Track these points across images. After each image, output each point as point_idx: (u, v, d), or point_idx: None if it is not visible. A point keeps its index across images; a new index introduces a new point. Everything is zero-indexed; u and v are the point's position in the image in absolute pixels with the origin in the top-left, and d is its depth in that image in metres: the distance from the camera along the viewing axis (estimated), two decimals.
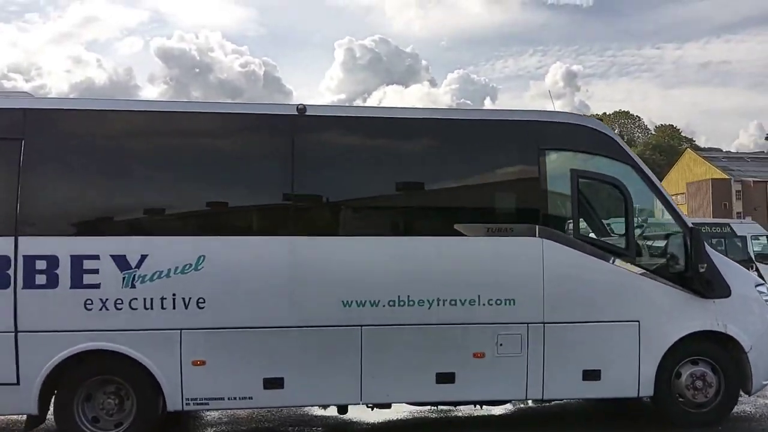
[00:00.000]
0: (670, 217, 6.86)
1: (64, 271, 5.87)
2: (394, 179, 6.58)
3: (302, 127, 6.36)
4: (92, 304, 5.89)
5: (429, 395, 6.52)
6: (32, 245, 5.90)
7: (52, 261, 5.87)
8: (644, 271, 6.59)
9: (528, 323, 6.39)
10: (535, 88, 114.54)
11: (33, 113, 6.09)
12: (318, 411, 7.47)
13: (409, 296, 6.25)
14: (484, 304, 6.34)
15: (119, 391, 6.13)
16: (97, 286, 5.91)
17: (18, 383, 5.83)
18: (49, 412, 6.18)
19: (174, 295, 5.99)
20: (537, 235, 6.42)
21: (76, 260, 5.90)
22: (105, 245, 6.00)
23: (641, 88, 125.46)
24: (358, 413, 7.10)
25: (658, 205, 7.00)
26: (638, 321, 6.52)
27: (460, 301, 6.31)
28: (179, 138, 6.45)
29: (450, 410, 7.50)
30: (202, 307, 6.02)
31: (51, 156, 6.12)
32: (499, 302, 6.36)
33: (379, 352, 6.25)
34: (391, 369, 6.28)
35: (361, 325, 6.21)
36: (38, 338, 5.86)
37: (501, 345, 6.37)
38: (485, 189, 6.80)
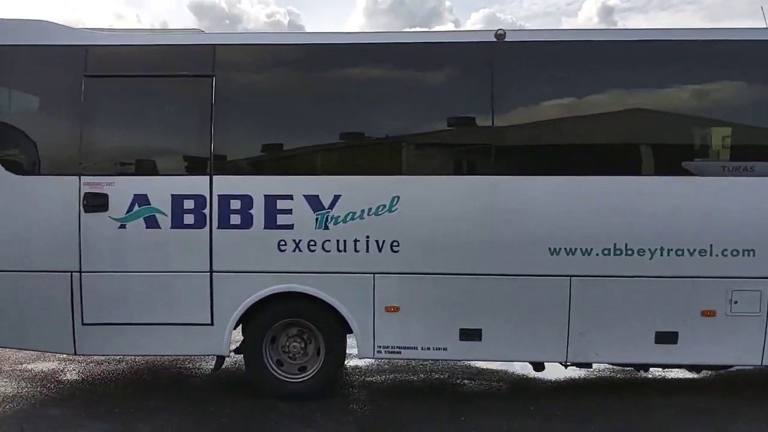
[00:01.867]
0: None
1: (258, 211, 5.72)
2: (611, 111, 5.80)
3: (502, 55, 5.72)
4: (286, 245, 5.71)
5: (645, 356, 5.78)
6: (227, 185, 5.78)
7: (247, 201, 5.73)
8: None
9: None
10: (567, 26, 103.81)
11: (223, 49, 5.91)
12: (487, 364, 7.04)
13: (627, 244, 5.52)
14: (717, 255, 5.48)
15: (302, 334, 6.00)
16: (290, 226, 5.71)
17: (212, 323, 5.80)
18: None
19: (367, 237, 5.68)
20: None
21: (270, 200, 5.73)
22: (298, 185, 5.77)
23: (685, 22, 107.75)
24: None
25: None
26: None
27: (689, 251, 5.49)
28: (368, 72, 6.04)
29: (644, 371, 6.72)
30: (396, 251, 5.67)
31: (243, 93, 5.95)
32: (735, 253, 5.47)
33: (589, 307, 5.60)
34: (603, 326, 5.62)
35: (571, 276, 5.58)
36: (232, 279, 5.78)
37: (735, 303, 5.51)
38: (719, 121, 5.81)
